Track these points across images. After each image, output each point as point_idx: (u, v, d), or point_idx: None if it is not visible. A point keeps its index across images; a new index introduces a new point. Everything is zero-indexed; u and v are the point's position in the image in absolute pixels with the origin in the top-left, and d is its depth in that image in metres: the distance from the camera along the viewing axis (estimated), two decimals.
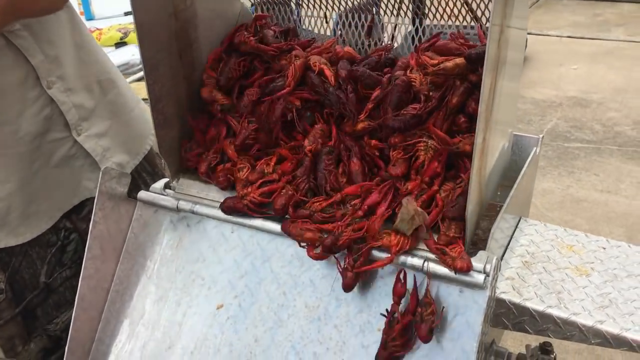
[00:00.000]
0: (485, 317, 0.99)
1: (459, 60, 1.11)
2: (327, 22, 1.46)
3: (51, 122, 1.33)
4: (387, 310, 1.04)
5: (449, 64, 1.11)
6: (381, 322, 1.04)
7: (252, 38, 1.29)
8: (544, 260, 1.15)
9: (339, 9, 1.44)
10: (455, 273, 1.00)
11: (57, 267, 1.43)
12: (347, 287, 1.07)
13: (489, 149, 1.06)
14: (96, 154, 1.43)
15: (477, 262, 0.99)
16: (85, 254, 1.24)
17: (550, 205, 3.44)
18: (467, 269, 0.99)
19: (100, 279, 1.28)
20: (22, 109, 1.28)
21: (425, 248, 1.05)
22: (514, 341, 2.34)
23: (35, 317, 1.42)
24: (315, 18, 1.48)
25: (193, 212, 1.25)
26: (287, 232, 1.13)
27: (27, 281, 1.39)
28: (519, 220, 1.29)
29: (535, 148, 1.32)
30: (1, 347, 1.39)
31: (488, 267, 0.99)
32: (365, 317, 1.07)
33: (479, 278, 0.98)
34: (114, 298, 1.30)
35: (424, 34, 1.36)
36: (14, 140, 1.28)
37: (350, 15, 1.43)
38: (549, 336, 1.04)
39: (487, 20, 0.90)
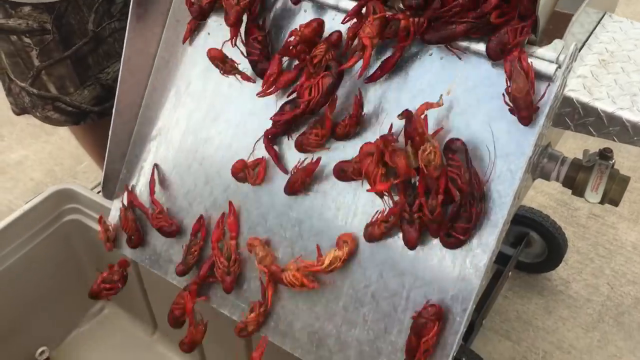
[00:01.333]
0: (548, 113, 0.92)
1: None
2: None
3: None
4: None
5: None
6: None
7: None
8: (623, 60, 1.04)
9: None
10: None
11: (105, 18, 1.44)
12: None
13: None
14: None
15: (550, 51, 0.89)
16: (130, 13, 1.18)
17: (635, 16, 3.14)
18: None
19: (146, 43, 1.24)
20: None
21: None
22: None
23: (87, 66, 1.47)
24: None
25: None
26: None
27: (74, 27, 1.40)
28: (603, 16, 1.15)
29: None
30: (53, 84, 1.47)
31: (562, 57, 0.88)
32: None
33: (550, 68, 0.88)
34: (159, 65, 1.27)
35: None
36: None
37: None
38: (613, 140, 0.97)
39: None
